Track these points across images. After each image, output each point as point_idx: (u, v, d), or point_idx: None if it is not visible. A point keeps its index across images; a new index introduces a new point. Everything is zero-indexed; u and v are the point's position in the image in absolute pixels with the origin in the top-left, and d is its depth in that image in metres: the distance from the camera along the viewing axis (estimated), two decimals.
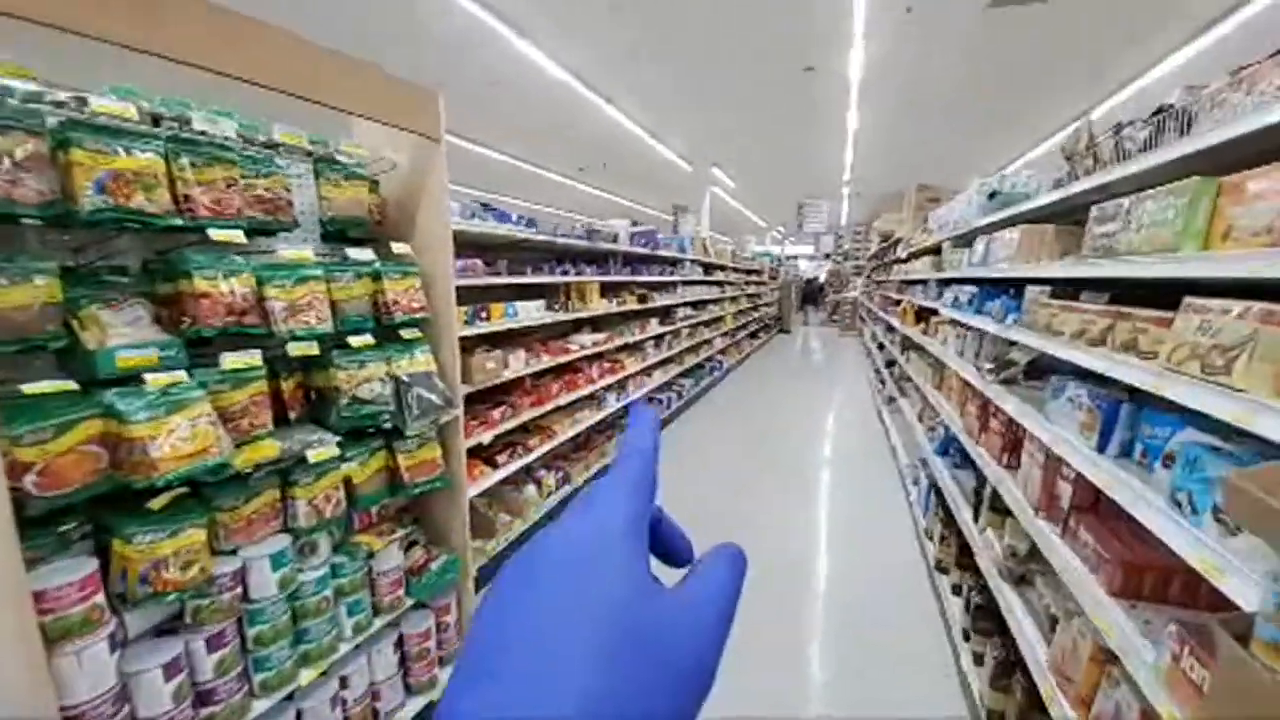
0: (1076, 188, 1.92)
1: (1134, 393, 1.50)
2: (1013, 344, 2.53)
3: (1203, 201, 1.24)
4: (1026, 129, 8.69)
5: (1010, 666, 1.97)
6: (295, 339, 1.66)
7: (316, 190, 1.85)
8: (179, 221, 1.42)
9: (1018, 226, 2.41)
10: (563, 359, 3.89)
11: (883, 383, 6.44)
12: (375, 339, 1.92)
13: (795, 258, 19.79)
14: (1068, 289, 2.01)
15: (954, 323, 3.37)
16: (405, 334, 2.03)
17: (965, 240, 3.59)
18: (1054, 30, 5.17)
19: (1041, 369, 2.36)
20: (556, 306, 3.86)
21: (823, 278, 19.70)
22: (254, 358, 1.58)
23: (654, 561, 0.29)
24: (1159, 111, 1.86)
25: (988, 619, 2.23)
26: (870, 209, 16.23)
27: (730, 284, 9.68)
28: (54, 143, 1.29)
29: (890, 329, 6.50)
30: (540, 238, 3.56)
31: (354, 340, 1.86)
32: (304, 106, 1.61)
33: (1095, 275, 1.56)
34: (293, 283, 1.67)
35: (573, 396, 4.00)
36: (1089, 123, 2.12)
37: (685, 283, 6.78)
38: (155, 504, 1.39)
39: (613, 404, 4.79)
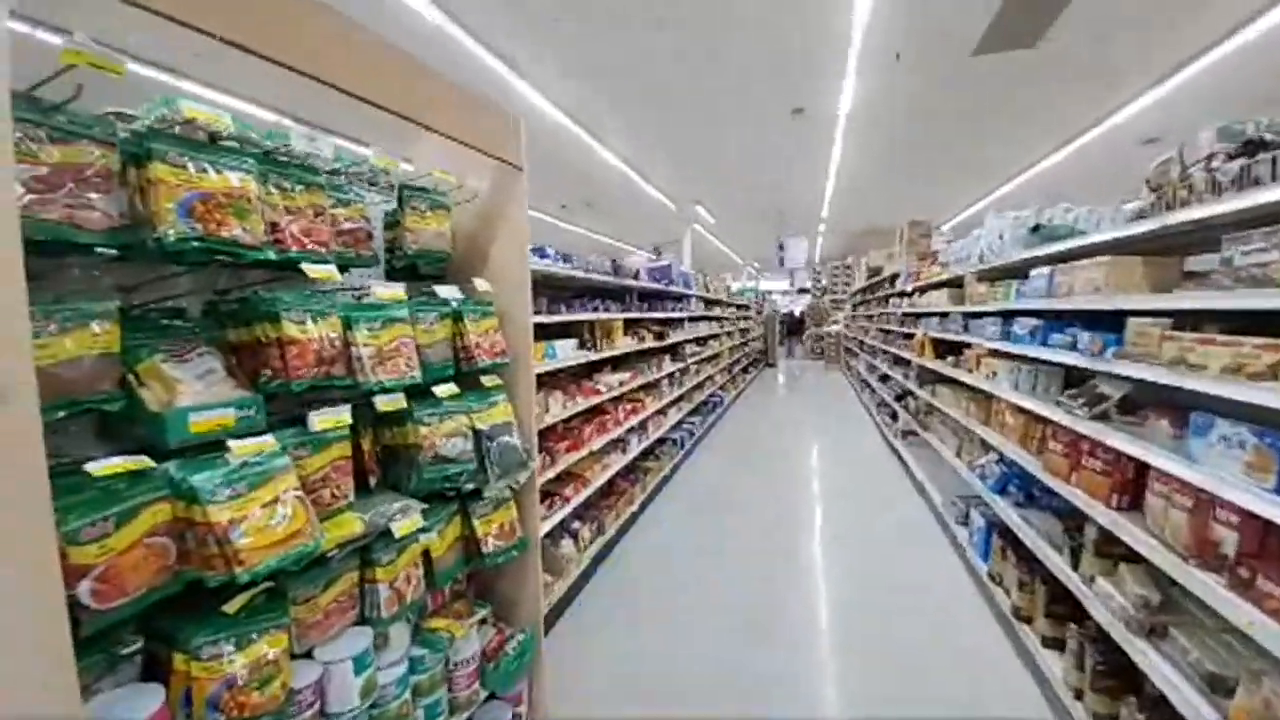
0: (1190, 215, 1.86)
1: None
2: (1094, 376, 2.46)
3: None
4: (997, 169, 9.15)
5: None
6: (384, 390, 1.42)
7: (401, 221, 1.63)
8: (272, 255, 1.18)
9: (1099, 257, 2.36)
10: (594, 400, 3.67)
11: (894, 416, 6.39)
12: (458, 387, 1.68)
13: (770, 293, 20.14)
14: (1185, 321, 1.94)
15: (1002, 354, 3.32)
16: (486, 381, 1.80)
17: (1005, 273, 3.59)
18: (1034, 75, 5.44)
19: (1134, 403, 2.29)
20: (588, 345, 3.65)
21: (798, 312, 20.07)
22: (344, 415, 1.32)
23: None
24: (1249, 144, 1.87)
25: (1111, 676, 2.07)
26: (843, 244, 16.73)
27: (726, 319, 9.65)
28: (125, 156, 1.06)
29: (899, 361, 6.51)
30: (578, 274, 3.39)
31: (438, 390, 1.61)
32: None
33: None
34: (381, 325, 1.43)
35: (604, 440, 3.75)
36: (1180, 153, 2.11)
37: (690, 318, 6.67)
38: (232, 606, 1.10)
39: (635, 447, 4.55)
